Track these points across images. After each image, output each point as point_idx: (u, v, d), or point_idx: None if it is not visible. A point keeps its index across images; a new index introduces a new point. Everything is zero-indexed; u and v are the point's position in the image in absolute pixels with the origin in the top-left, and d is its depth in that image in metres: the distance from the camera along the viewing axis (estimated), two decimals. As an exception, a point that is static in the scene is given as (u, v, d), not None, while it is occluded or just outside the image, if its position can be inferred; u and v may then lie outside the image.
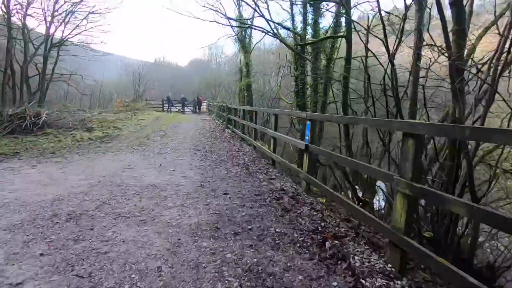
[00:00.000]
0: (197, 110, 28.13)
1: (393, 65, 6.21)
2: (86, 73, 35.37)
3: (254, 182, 5.12)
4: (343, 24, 11.37)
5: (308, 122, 4.62)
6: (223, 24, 13.78)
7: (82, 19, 27.41)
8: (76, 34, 27.59)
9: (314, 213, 3.71)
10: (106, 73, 53.58)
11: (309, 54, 11.73)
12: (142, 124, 15.21)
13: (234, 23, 13.83)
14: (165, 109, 28.60)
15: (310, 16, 11.69)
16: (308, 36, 11.79)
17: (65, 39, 27.85)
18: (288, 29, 11.02)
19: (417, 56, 5.34)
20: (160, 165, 6.11)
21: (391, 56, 6.16)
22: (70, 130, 10.08)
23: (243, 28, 13.90)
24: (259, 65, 23.42)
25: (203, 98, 31.17)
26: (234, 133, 12.29)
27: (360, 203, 6.70)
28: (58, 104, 24.94)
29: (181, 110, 28.57)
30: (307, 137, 4.64)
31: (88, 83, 38.94)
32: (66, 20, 27.61)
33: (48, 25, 26.81)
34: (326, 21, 14.56)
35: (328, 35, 10.98)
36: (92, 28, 27.43)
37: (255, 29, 10.93)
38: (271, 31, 11.06)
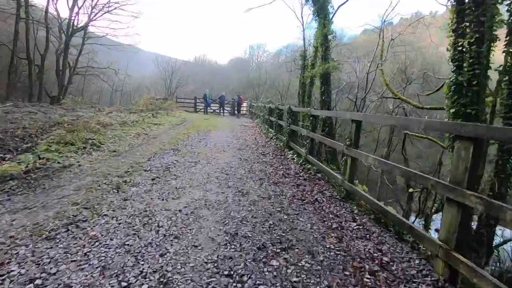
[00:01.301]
0: (236, 112, 22.44)
1: None
2: (121, 68, 31.92)
3: None
4: None
5: None
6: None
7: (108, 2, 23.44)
8: (102, 15, 23.63)
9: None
10: (143, 71, 50.92)
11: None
12: (152, 133, 9.61)
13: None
14: (199, 110, 23.37)
15: None
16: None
17: (89, 23, 24.02)
18: None
19: None
20: None
21: None
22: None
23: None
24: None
25: (244, 98, 25.46)
26: (309, 164, 6.05)
27: None
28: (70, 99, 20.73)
29: (218, 111, 23.09)
30: None
31: (121, 78, 35.64)
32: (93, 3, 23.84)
33: (70, 6, 23.18)
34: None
35: None
36: (116, 9, 23.31)
37: None
38: None
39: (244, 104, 25.89)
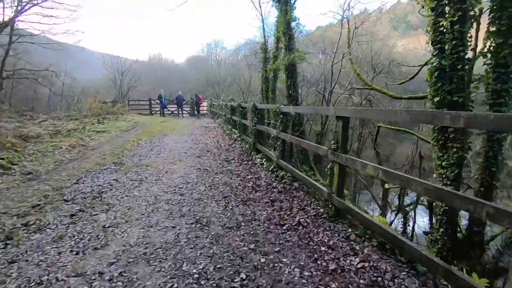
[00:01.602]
0: (196, 112, 20.93)
1: None
2: (65, 71, 28.28)
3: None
4: None
5: None
6: None
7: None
8: (30, 8, 20.45)
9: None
10: (91, 72, 46.45)
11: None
12: (92, 144, 8.02)
13: None
14: (155, 112, 21.49)
15: None
16: None
17: (14, 18, 20.65)
18: None
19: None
20: None
21: None
22: None
23: None
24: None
25: (202, 97, 23.94)
26: (282, 170, 5.08)
27: None
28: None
29: (176, 112, 21.40)
30: None
31: (65, 81, 31.91)
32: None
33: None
34: None
35: None
36: (48, 2, 20.31)
37: None
38: None
39: (205, 104, 24.45)
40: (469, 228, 5.08)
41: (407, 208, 7.77)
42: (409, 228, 7.78)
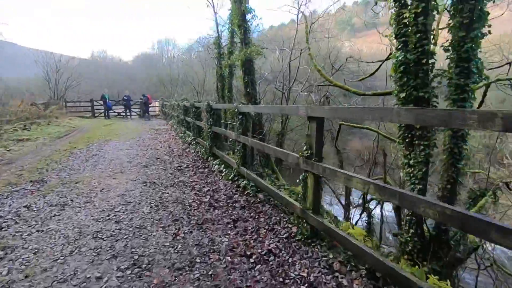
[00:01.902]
0: (146, 114, 19.22)
1: None
2: None
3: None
4: None
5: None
6: None
7: None
8: None
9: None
10: (21, 71, 40.73)
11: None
12: (8, 156, 6.52)
13: None
14: (99, 114, 19.31)
15: None
16: None
17: None
18: None
19: None
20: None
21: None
22: None
23: None
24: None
25: (151, 97, 22.00)
26: (243, 178, 4.42)
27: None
28: None
29: (123, 114, 19.49)
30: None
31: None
32: None
33: None
34: None
35: None
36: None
37: None
38: None
39: (157, 104, 22.73)
40: (436, 227, 4.98)
41: (369, 204, 7.71)
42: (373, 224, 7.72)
